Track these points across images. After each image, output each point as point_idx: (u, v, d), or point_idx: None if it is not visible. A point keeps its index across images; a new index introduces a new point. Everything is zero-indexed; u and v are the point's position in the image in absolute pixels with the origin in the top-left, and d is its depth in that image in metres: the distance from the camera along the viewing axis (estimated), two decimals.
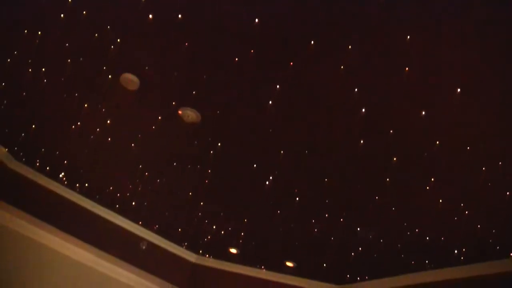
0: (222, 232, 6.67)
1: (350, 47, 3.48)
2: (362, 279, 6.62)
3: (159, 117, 4.91)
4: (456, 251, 5.23)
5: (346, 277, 6.70)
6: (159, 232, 7.35)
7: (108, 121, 5.25)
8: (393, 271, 6.19)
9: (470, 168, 4.12)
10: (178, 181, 5.97)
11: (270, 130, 4.54)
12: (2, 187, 6.77)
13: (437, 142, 3.98)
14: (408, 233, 5.25)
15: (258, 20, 3.50)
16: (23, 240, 7.08)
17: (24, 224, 7.05)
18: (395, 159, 4.32)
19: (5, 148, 6.61)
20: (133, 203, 6.80)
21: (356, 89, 3.80)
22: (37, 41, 4.41)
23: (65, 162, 6.48)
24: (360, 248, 5.89)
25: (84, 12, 3.95)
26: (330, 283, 7.02)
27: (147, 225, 7.29)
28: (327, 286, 7.05)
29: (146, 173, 5.97)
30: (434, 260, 5.62)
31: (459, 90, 3.48)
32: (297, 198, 5.38)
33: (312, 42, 3.54)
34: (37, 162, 6.75)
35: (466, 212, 4.61)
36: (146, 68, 4.34)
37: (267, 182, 5.25)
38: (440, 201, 4.61)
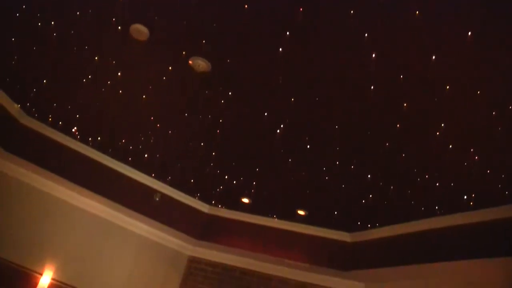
0: (234, 182, 6.73)
1: None
2: (373, 226, 6.70)
3: (170, 68, 4.92)
4: (465, 197, 5.27)
5: (357, 224, 6.79)
6: (172, 183, 7.44)
7: (119, 74, 5.26)
8: (403, 218, 6.26)
9: (480, 113, 4.13)
10: (189, 132, 6.01)
11: (281, 77, 4.54)
12: (16, 143, 6.86)
13: (447, 87, 3.98)
14: (418, 179, 5.28)
15: None
16: (39, 195, 7.21)
17: (39, 179, 7.17)
18: (405, 104, 4.33)
19: (18, 104, 6.66)
20: (146, 156, 6.87)
21: (366, 34, 3.78)
22: None
23: (77, 116, 6.54)
24: (370, 195, 5.96)
25: None
26: (341, 230, 7.13)
27: (160, 177, 7.37)
28: (338, 234, 7.15)
29: (157, 124, 6.01)
30: (443, 206, 5.67)
31: (469, 33, 3.47)
32: (308, 146, 5.41)
33: None
34: (49, 118, 6.81)
35: (476, 157, 4.63)
36: (156, 18, 4.33)
37: (278, 131, 5.27)
38: (450, 146, 4.62)
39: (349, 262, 7.04)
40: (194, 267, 8.08)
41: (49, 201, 7.27)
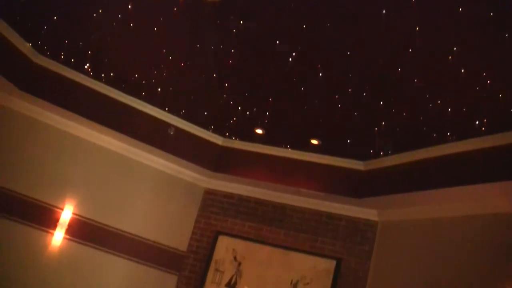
0: (248, 113, 6.76)
1: None
2: (386, 154, 6.77)
3: None
4: (477, 122, 5.29)
5: (369, 152, 6.86)
6: (185, 117, 7.48)
7: (129, 6, 5.23)
8: (415, 145, 6.31)
9: (493, 37, 4.09)
10: (202, 63, 6.00)
11: (292, 5, 4.51)
12: (30, 82, 6.90)
13: (459, 9, 3.94)
14: (430, 105, 5.29)
15: None
16: (55, 132, 7.35)
17: (54, 117, 7.29)
18: (417, 28, 4.30)
19: (29, 43, 6.66)
20: (159, 90, 6.89)
21: None
22: None
23: (89, 52, 6.54)
24: (383, 123, 5.99)
25: None
26: (354, 159, 7.21)
27: (173, 111, 7.41)
28: (352, 162, 7.23)
29: (170, 57, 6.01)
30: (455, 132, 5.70)
31: None
32: (321, 74, 5.41)
33: None
34: (61, 55, 6.81)
35: (488, 81, 4.62)
36: None
37: (290, 59, 5.26)
38: (463, 71, 4.61)
39: (363, 190, 7.15)
40: (210, 198, 8.27)
41: (65, 139, 7.41)
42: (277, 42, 5.07)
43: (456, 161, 5.93)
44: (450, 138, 5.83)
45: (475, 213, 6.04)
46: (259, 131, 7.25)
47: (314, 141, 7.05)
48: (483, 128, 5.33)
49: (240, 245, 7.78)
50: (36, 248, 7.03)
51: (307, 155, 7.45)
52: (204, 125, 7.65)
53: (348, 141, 6.71)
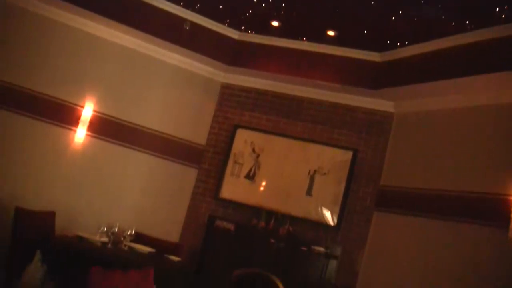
0: (263, 5, 6.65)
1: None
2: (403, 45, 6.72)
3: None
4: (497, 9, 5.20)
5: (386, 43, 6.80)
6: (200, 11, 7.39)
7: None
8: (433, 35, 6.25)
9: None
10: None
11: None
12: None
13: None
14: None
15: None
16: (72, 32, 7.35)
17: (70, 16, 7.25)
18: None
19: None
20: None
21: None
22: None
23: None
24: (400, 12, 5.90)
25: None
26: (371, 50, 7.17)
27: (188, 6, 7.31)
28: (368, 54, 7.20)
29: None
30: (474, 21, 5.62)
31: None
32: None
33: None
34: None
35: None
36: None
37: None
38: None
39: (379, 81, 7.17)
40: (228, 93, 8.34)
41: (83, 38, 7.41)
42: None
43: (474, 50, 5.90)
44: (468, 27, 5.75)
45: (491, 103, 6.09)
46: (275, 23, 7.17)
47: (331, 33, 6.98)
48: (503, 16, 5.25)
49: (258, 138, 7.94)
50: (60, 146, 7.23)
51: (324, 47, 7.41)
52: (220, 19, 7.57)
53: (365, 31, 6.64)
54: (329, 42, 7.27)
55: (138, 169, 7.81)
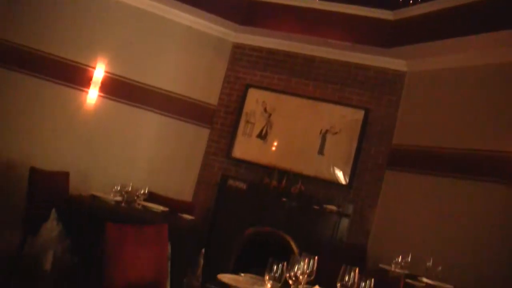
0: None
1: None
2: (415, 2, 6.63)
3: None
4: None
5: (399, 1, 6.72)
6: None
7: None
8: None
9: None
10: None
11: None
12: None
13: None
14: None
15: None
16: None
17: None
18: None
19: None
20: None
21: None
22: None
23: None
24: None
25: None
26: (383, 8, 7.08)
27: None
28: (381, 12, 7.12)
29: None
30: None
31: None
32: None
33: None
34: None
35: None
36: None
37: None
38: None
39: (391, 40, 7.11)
40: (239, 52, 8.31)
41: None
42: None
43: (488, 6, 5.81)
44: None
45: (504, 60, 6.03)
46: None
47: None
48: None
49: (270, 97, 7.94)
50: (72, 107, 7.27)
51: (336, 6, 7.33)
52: None
53: None
54: (342, 0, 7.19)
55: (151, 129, 7.87)
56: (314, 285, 2.90)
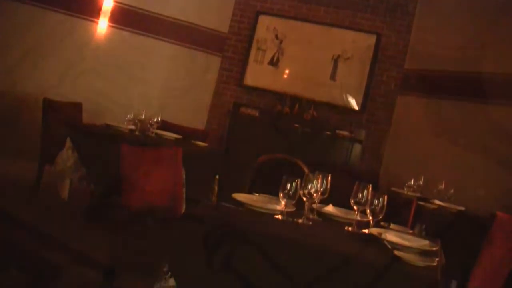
0: None
1: None
2: None
3: None
4: None
5: None
6: None
7: None
8: None
9: None
10: None
11: None
12: None
13: None
14: None
15: None
16: None
17: None
18: None
19: None
20: None
21: None
22: None
23: None
24: None
25: None
26: None
27: None
28: None
29: None
30: None
31: None
32: None
33: None
34: None
35: None
36: None
37: None
38: None
39: None
40: None
41: None
42: None
43: None
44: None
45: None
46: None
47: None
48: None
49: (281, 24, 7.84)
50: (83, 38, 7.21)
51: None
52: None
53: None
54: None
55: (162, 58, 7.83)
56: (328, 204, 2.94)
